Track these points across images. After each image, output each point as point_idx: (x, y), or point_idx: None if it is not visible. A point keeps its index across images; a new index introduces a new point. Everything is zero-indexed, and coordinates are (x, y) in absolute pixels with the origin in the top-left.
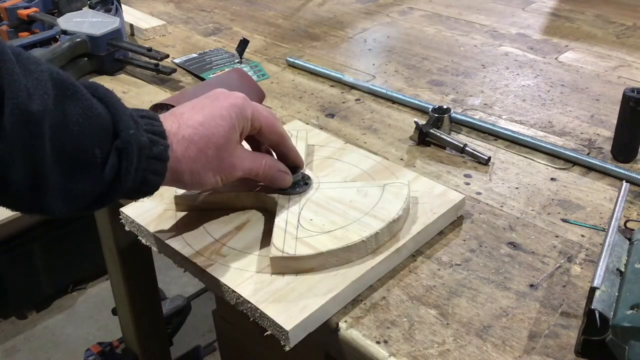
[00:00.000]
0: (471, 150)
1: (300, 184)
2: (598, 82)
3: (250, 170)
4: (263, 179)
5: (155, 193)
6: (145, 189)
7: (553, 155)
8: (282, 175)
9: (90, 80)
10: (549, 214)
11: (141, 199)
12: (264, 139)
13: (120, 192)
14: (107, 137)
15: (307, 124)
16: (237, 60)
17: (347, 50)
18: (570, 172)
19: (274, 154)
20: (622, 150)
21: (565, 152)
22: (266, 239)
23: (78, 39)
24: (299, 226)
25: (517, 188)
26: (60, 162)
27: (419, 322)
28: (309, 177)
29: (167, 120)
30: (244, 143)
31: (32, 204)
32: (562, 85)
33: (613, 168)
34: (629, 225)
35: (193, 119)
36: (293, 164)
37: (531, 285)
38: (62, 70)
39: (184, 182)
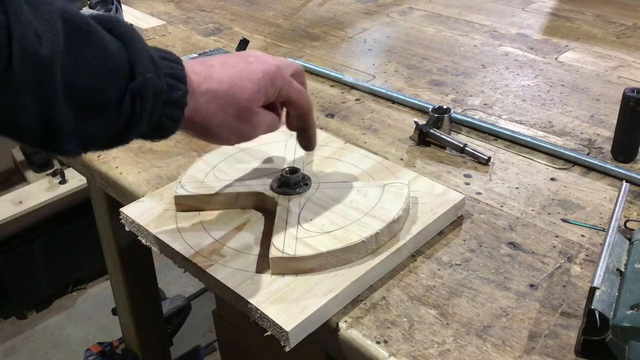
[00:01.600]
0: (471, 150)
1: (300, 185)
2: (598, 82)
3: (270, 124)
4: (292, 112)
5: (155, 193)
6: (159, 133)
7: (553, 155)
8: (307, 100)
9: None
10: (549, 214)
11: (142, 199)
12: (289, 109)
13: (134, 134)
14: (122, 78)
15: None
16: None
17: (347, 50)
18: (570, 172)
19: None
20: (622, 150)
21: (565, 152)
22: (266, 239)
23: None
24: (299, 226)
25: (517, 188)
26: (72, 105)
27: (419, 322)
28: (309, 178)
29: (195, 67)
30: None
31: (47, 145)
32: (562, 85)
33: (613, 168)
34: (629, 225)
35: (222, 74)
36: (306, 142)
37: (531, 285)
38: (76, 9)
39: (196, 131)
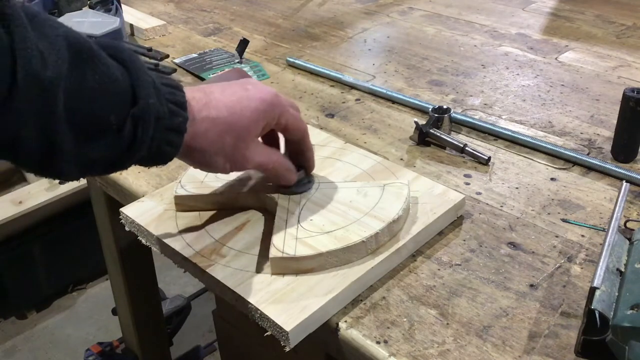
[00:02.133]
0: (471, 150)
1: (303, 182)
2: (598, 82)
3: (260, 164)
4: (270, 174)
5: (155, 193)
6: (158, 159)
7: (553, 155)
8: (288, 173)
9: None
10: (549, 214)
11: (142, 199)
12: (287, 135)
13: (134, 159)
14: (124, 103)
15: (307, 123)
16: (237, 60)
17: (347, 50)
18: (570, 172)
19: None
20: (622, 150)
21: (565, 152)
22: (266, 239)
23: None
24: (299, 226)
25: (517, 188)
26: (74, 128)
27: (419, 322)
28: (312, 176)
29: (195, 93)
30: None
31: (45, 168)
32: (562, 85)
33: (613, 168)
34: (629, 225)
35: (221, 102)
36: (306, 164)
37: (531, 285)
38: (81, 34)
39: (193, 159)
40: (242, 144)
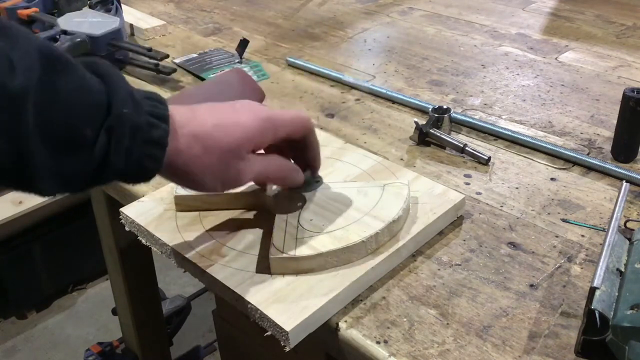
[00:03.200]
0: (471, 150)
1: (311, 182)
2: (598, 82)
3: (259, 173)
4: (274, 181)
5: (155, 193)
6: (141, 175)
7: (553, 155)
8: (294, 174)
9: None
10: (549, 214)
11: (142, 199)
12: (293, 138)
13: (112, 174)
14: (99, 115)
15: None
16: (237, 60)
17: (347, 50)
18: (570, 172)
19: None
20: (622, 150)
21: (565, 152)
22: (266, 239)
23: (78, 39)
24: (299, 226)
25: (517, 188)
26: (47, 141)
27: (419, 322)
28: (319, 176)
29: (179, 110)
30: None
31: (23, 184)
32: (562, 85)
33: (613, 168)
34: (629, 225)
35: (207, 118)
36: (311, 162)
37: (531, 285)
38: (56, 47)
39: (178, 176)
40: (231, 160)
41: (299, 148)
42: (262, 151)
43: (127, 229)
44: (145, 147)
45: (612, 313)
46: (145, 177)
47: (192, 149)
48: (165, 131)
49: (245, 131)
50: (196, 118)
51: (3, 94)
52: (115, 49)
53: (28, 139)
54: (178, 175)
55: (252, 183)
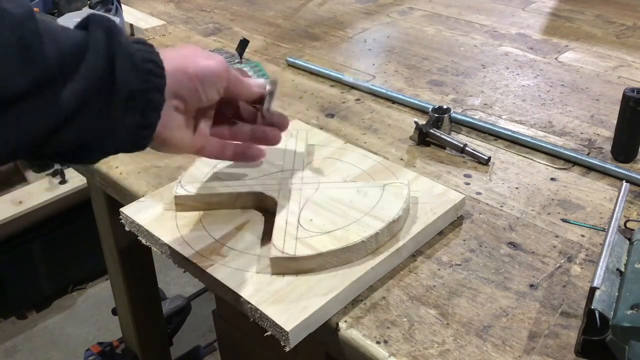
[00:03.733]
0: (471, 150)
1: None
2: (598, 82)
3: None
4: (229, 92)
5: (155, 193)
6: (143, 133)
7: (553, 155)
8: (244, 80)
9: None
10: (549, 214)
11: (142, 199)
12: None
13: (125, 91)
14: (100, 46)
15: (307, 123)
16: (237, 60)
17: (347, 50)
18: (570, 172)
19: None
20: (622, 150)
21: (565, 152)
22: (266, 239)
23: None
24: (299, 226)
25: (517, 188)
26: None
27: (419, 322)
28: (274, 82)
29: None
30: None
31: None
32: (562, 85)
33: (613, 168)
34: (629, 225)
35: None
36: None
37: (531, 285)
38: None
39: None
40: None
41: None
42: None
43: (127, 229)
44: (146, 63)
45: (612, 313)
46: (145, 137)
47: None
48: (163, 82)
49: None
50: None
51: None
52: None
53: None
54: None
55: (253, 184)
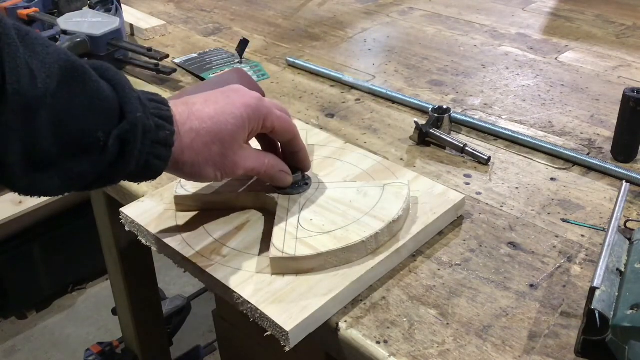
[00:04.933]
0: (471, 150)
1: (300, 184)
2: (598, 82)
3: (252, 169)
4: (264, 178)
5: (155, 193)
6: (148, 174)
7: (553, 155)
8: (283, 175)
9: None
10: (549, 214)
11: (142, 199)
12: (276, 137)
13: (122, 175)
14: (112, 120)
15: (307, 123)
16: (237, 60)
17: (347, 50)
18: (570, 172)
19: (279, 146)
20: (622, 150)
21: (565, 152)
22: (266, 239)
23: (78, 39)
24: (299, 226)
25: (517, 188)
26: (60, 144)
27: (419, 322)
28: (309, 177)
29: (178, 107)
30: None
31: (30, 185)
32: (562, 85)
33: (613, 168)
34: (629, 225)
35: (204, 112)
36: (300, 165)
37: (531, 285)
38: (72, 53)
39: (183, 172)
40: (229, 151)
41: (289, 151)
42: (259, 147)
43: (127, 229)
44: (153, 148)
45: (612, 313)
46: (152, 176)
47: (193, 145)
48: (172, 132)
49: (240, 120)
50: (194, 114)
51: (26, 103)
52: (115, 49)
53: (42, 141)
54: (182, 170)
55: (253, 184)
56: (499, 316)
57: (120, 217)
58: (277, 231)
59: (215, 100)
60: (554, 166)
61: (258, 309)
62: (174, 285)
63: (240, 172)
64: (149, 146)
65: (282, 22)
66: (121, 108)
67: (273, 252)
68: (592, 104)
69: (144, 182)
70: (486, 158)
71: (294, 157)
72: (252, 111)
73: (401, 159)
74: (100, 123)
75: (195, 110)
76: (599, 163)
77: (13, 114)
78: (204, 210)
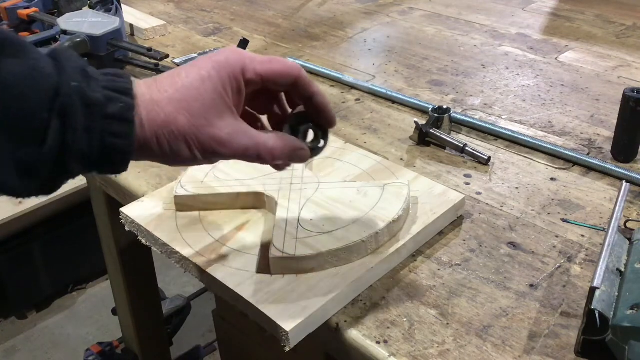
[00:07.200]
0: (471, 150)
1: (315, 145)
2: (598, 82)
3: (245, 148)
4: (270, 164)
5: (155, 193)
6: (115, 157)
7: (553, 155)
8: (300, 154)
9: None
10: (549, 214)
11: (142, 199)
12: (276, 88)
13: (76, 159)
14: (49, 96)
15: None
16: None
17: (347, 50)
18: (570, 172)
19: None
20: (622, 150)
21: (565, 152)
22: (266, 239)
23: (78, 39)
24: (299, 226)
25: (517, 188)
26: (4, 129)
27: (419, 322)
28: (325, 132)
29: (141, 84)
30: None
31: None
32: (562, 85)
33: (613, 168)
34: (629, 225)
35: (165, 81)
36: (322, 116)
37: (531, 285)
38: (10, 31)
39: (153, 152)
40: (202, 121)
41: (303, 102)
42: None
43: (127, 229)
44: (106, 124)
45: (612, 313)
46: (118, 161)
47: (153, 117)
48: (128, 104)
49: (206, 81)
50: (157, 86)
51: None
52: (115, 49)
53: None
54: (152, 150)
55: (253, 184)
56: (499, 316)
57: (120, 217)
58: (277, 231)
59: (179, 71)
60: (554, 166)
61: (258, 309)
62: (174, 285)
63: (227, 151)
64: (100, 122)
65: (282, 22)
66: (58, 82)
67: (273, 252)
68: (592, 104)
69: (120, 169)
70: (486, 158)
71: (311, 106)
72: (221, 66)
73: (401, 159)
74: (37, 101)
75: (159, 83)
76: (599, 163)
77: None
78: (204, 210)
